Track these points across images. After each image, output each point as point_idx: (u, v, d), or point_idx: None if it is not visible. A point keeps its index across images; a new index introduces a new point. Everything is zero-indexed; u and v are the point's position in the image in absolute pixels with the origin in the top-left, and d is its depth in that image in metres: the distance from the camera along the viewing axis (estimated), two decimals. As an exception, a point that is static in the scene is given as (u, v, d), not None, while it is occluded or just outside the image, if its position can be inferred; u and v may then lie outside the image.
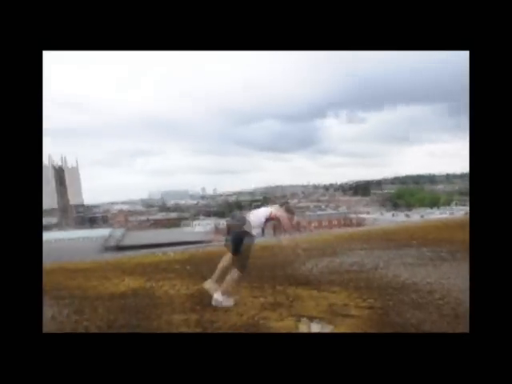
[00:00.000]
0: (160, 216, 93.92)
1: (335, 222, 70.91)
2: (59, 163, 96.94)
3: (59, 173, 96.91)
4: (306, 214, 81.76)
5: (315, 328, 3.07)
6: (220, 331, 3.08)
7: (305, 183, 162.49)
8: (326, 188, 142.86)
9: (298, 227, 3.77)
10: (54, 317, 3.58)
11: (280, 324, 3.20)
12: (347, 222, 67.01)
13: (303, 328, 3.10)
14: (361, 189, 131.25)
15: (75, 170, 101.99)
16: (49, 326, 3.31)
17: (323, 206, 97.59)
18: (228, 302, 3.71)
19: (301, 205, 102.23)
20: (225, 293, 3.70)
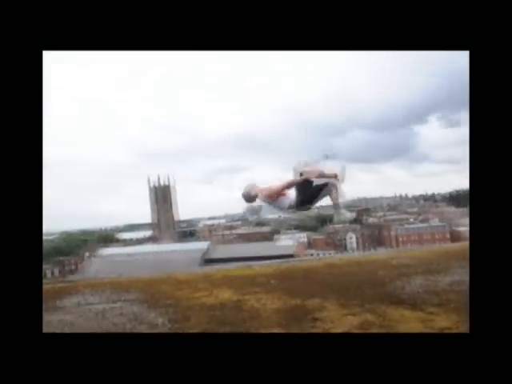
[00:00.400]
0: (253, 230, 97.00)
1: (439, 236, 64.94)
2: (165, 182, 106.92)
3: (164, 191, 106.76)
4: (405, 226, 76.59)
5: None
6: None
7: (400, 194, 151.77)
8: (425, 199, 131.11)
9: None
10: (164, 324, 4.11)
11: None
12: (453, 236, 60.73)
13: None
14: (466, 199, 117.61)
15: (173, 188, 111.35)
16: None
17: (418, 219, 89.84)
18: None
19: (395, 217, 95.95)
20: None
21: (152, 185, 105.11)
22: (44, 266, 58.23)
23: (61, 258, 67.59)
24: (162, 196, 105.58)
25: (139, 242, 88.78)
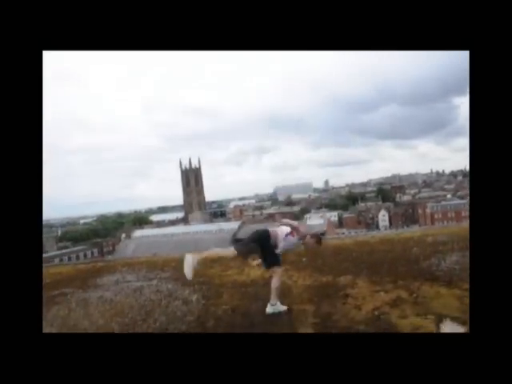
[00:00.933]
0: (283, 210, 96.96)
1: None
2: (195, 165, 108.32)
3: (195, 173, 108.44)
4: (441, 203, 74.17)
5: (458, 330, 2.79)
6: (339, 324, 3.19)
7: (436, 170, 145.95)
8: (464, 174, 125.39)
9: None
10: (198, 300, 4.24)
11: (414, 321, 3.09)
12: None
13: (445, 330, 2.84)
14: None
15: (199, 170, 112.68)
16: (190, 310, 3.95)
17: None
18: (282, 307, 3.59)
19: (430, 194, 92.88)
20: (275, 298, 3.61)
21: (183, 168, 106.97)
22: (82, 247, 61.29)
23: (98, 240, 70.78)
24: (193, 178, 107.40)
25: (172, 223, 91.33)
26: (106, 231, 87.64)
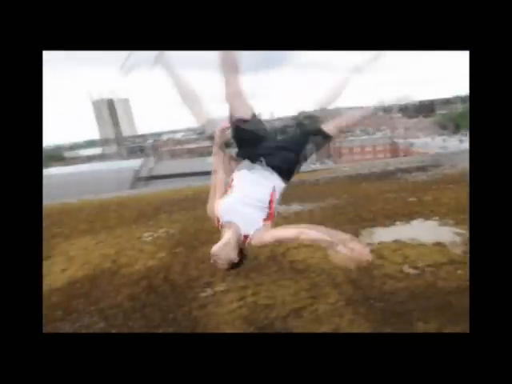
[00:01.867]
0: (204, 144, 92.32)
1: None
2: (110, 96, 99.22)
3: (110, 104, 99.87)
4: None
5: None
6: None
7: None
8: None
9: None
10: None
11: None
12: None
13: None
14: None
15: (126, 102, 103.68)
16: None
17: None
18: None
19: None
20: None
21: (95, 99, 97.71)
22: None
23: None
24: (108, 110, 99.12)
25: (90, 159, 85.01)
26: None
